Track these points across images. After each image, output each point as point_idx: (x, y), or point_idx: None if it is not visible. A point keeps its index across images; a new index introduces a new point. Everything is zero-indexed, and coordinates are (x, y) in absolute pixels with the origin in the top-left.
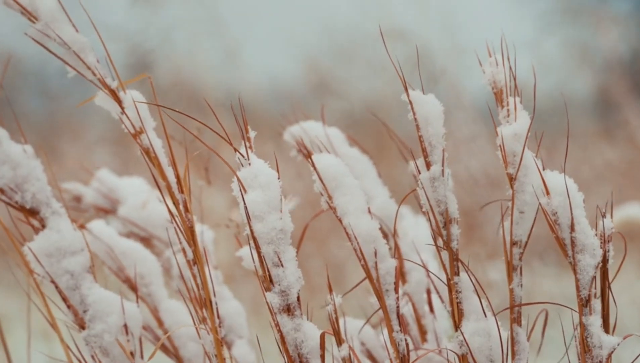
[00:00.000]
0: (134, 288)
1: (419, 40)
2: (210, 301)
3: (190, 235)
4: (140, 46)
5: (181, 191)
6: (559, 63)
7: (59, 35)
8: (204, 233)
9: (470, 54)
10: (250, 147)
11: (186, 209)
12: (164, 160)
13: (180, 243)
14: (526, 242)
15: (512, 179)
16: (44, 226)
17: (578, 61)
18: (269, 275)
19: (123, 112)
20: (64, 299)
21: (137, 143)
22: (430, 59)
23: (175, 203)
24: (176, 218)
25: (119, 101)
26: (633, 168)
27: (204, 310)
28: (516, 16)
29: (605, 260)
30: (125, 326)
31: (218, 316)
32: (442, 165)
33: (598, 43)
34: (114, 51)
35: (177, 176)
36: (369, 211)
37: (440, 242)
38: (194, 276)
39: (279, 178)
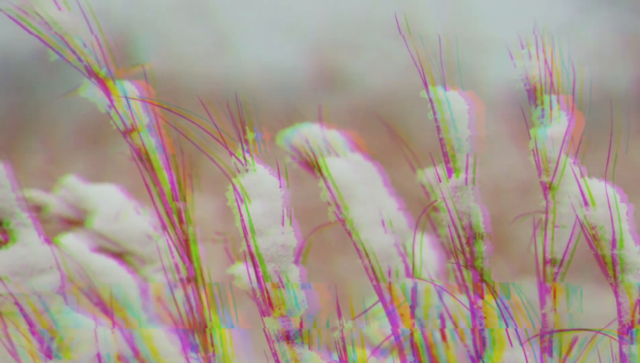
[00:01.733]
0: (108, 312)
1: (440, 29)
2: (206, 326)
3: (187, 249)
4: (125, 35)
5: (176, 199)
6: (597, 51)
7: (39, 13)
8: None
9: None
10: (250, 151)
11: (180, 220)
12: (157, 163)
13: (174, 258)
14: (562, 261)
15: (547, 188)
16: (8, 240)
17: (619, 49)
18: (268, 298)
19: (112, 106)
20: (30, 324)
21: (127, 142)
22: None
23: (169, 212)
24: (169, 230)
25: (108, 93)
26: None
27: (196, 337)
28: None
29: None
30: (98, 355)
31: (212, 345)
32: (467, 172)
33: None
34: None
35: (178, 181)
36: (383, 225)
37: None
38: (188, 298)
39: (281, 187)
